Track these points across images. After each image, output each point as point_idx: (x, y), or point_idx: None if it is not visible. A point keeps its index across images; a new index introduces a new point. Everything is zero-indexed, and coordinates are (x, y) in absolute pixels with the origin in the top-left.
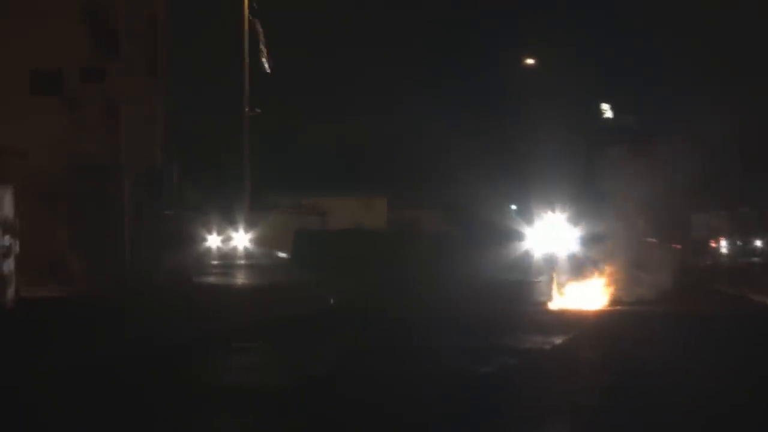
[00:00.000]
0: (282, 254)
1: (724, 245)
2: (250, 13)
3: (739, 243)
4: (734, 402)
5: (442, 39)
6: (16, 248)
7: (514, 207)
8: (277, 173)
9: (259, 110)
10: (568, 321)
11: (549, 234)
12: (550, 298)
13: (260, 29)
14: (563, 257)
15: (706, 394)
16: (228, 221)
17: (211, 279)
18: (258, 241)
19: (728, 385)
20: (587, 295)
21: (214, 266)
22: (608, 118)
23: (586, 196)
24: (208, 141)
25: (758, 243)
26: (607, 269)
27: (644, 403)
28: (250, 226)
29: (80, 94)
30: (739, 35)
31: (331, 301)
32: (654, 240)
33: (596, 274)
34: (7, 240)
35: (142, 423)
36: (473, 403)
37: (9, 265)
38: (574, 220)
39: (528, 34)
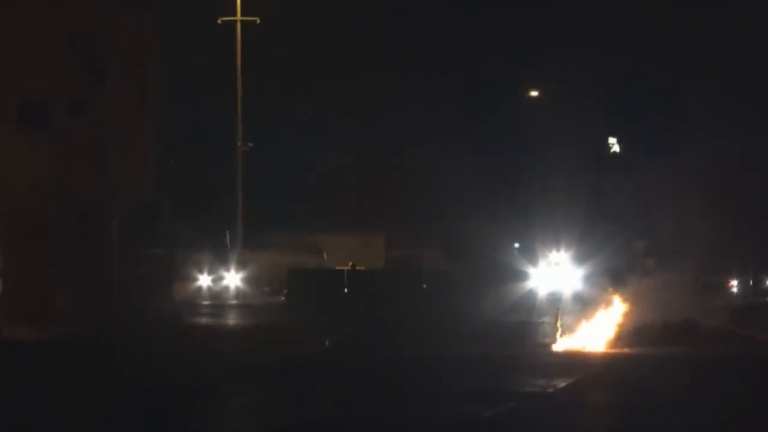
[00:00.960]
0: (278, 295)
1: (734, 285)
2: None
3: (750, 283)
4: None
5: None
6: None
7: (517, 245)
8: (272, 209)
9: (252, 144)
10: (572, 364)
11: (553, 273)
12: (554, 339)
13: None
14: (568, 297)
15: None
16: (219, 260)
17: (203, 320)
18: (251, 281)
19: None
20: (592, 336)
21: (205, 306)
22: (615, 153)
23: (591, 234)
24: (199, 176)
25: None
26: (614, 309)
27: None
28: (242, 264)
29: (67, 127)
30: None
31: (327, 343)
32: (665, 278)
33: (602, 314)
34: None
35: None
36: None
37: None
38: (579, 258)
39: (535, 70)
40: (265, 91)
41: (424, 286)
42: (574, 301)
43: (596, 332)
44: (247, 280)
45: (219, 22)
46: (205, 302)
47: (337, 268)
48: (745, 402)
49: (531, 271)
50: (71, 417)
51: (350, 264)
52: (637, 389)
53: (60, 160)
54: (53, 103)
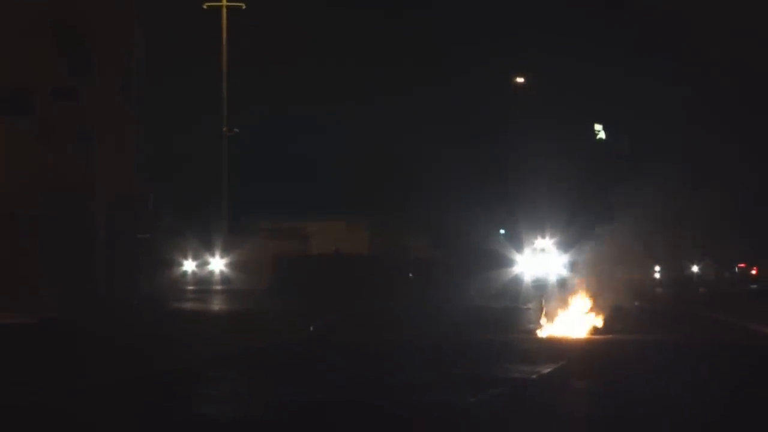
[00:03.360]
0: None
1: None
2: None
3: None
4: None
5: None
6: None
7: (503, 232)
8: (257, 196)
9: (237, 130)
10: (557, 349)
11: (539, 260)
12: (539, 325)
13: None
14: (553, 283)
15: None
16: (205, 246)
17: (188, 305)
18: (236, 266)
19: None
20: (577, 322)
21: (190, 291)
22: (602, 140)
23: (577, 221)
24: (185, 163)
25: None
26: (598, 295)
27: None
28: (227, 250)
29: (50, 115)
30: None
31: (311, 329)
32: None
33: (586, 300)
34: None
35: None
36: None
37: None
38: (565, 245)
39: (521, 56)
40: (251, 77)
41: (410, 274)
42: (559, 287)
43: (580, 318)
44: (232, 266)
45: (205, 6)
46: (191, 287)
47: (322, 254)
48: (728, 386)
49: (516, 257)
50: (52, 403)
51: (334, 249)
52: (622, 374)
53: (43, 148)
54: (36, 90)
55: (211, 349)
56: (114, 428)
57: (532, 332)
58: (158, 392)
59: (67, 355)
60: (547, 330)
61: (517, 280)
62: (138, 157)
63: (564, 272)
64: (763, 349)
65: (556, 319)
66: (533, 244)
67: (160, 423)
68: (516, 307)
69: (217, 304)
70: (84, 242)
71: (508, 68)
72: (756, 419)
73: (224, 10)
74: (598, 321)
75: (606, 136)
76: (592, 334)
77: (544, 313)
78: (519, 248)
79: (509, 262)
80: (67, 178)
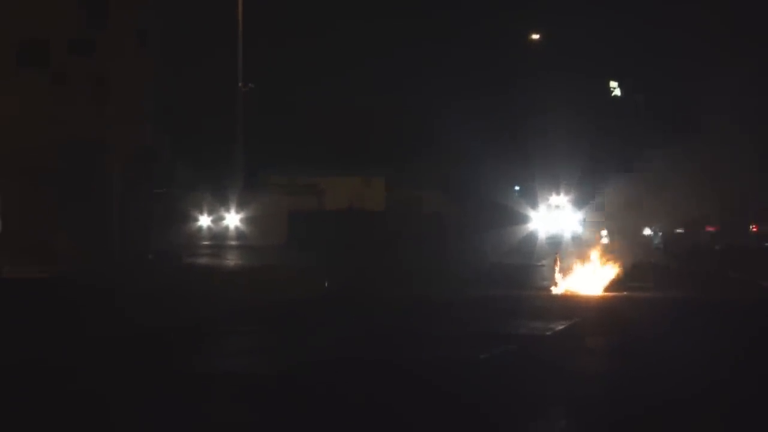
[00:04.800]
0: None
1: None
2: None
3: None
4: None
5: (447, 13)
6: None
7: (517, 188)
8: (272, 151)
9: (252, 85)
10: (570, 307)
11: (553, 216)
12: (553, 282)
13: None
14: (567, 240)
15: (707, 382)
16: (220, 200)
17: (202, 260)
18: (250, 222)
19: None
20: (591, 279)
21: (205, 246)
22: (617, 96)
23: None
24: (201, 117)
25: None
26: (613, 253)
27: (642, 393)
28: (242, 205)
29: (68, 68)
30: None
31: (326, 285)
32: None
33: (601, 257)
34: None
35: (138, 407)
36: (470, 392)
37: None
38: (580, 202)
39: (536, 9)
40: (267, 33)
41: (425, 228)
42: (574, 243)
43: (595, 275)
44: (246, 221)
45: None
46: (206, 242)
47: (337, 209)
48: (739, 343)
49: (531, 213)
50: (69, 355)
51: (348, 205)
52: (635, 332)
53: (60, 101)
54: (53, 42)
55: (226, 305)
56: (126, 385)
57: (546, 289)
58: (171, 347)
59: (77, 311)
60: (561, 287)
61: (531, 237)
62: (155, 111)
63: (579, 229)
64: None
65: (570, 276)
66: (548, 200)
67: (174, 379)
68: (530, 264)
69: (231, 260)
70: (100, 196)
71: (522, 23)
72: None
73: None
74: (613, 278)
75: (621, 92)
76: (606, 291)
77: (558, 270)
78: (534, 205)
79: (524, 219)
80: (84, 130)
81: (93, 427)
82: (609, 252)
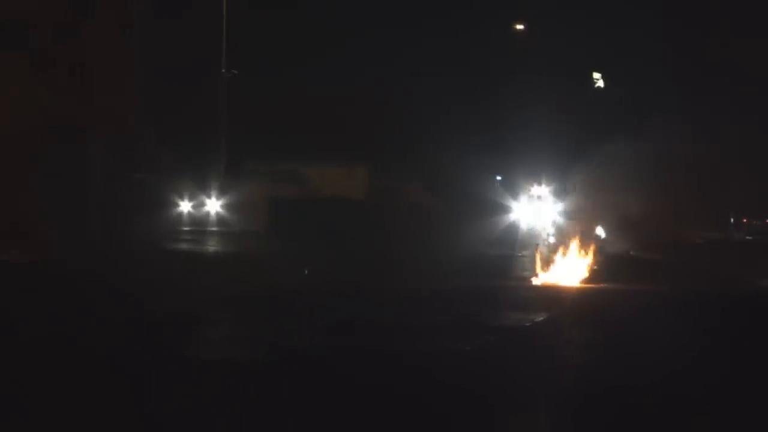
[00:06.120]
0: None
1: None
2: None
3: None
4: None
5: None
6: None
7: (499, 178)
8: (255, 139)
9: (236, 71)
10: (550, 297)
11: (534, 207)
12: (533, 273)
13: None
14: (548, 231)
15: (685, 373)
16: (201, 187)
17: (182, 246)
18: (232, 208)
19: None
20: (571, 270)
21: (185, 232)
22: (600, 89)
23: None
24: (182, 103)
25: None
26: (593, 244)
27: (622, 384)
28: (224, 191)
29: (50, 52)
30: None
31: (306, 272)
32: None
33: (581, 248)
34: None
35: (118, 395)
36: (450, 383)
37: None
38: (561, 193)
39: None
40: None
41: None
42: (555, 234)
43: (575, 267)
44: (228, 207)
45: None
46: (186, 228)
47: (319, 198)
48: (719, 336)
49: (512, 204)
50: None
51: (330, 194)
52: (614, 323)
53: (42, 85)
54: (36, 25)
55: (206, 292)
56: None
57: (527, 280)
58: (150, 334)
59: (54, 298)
60: (541, 278)
61: (513, 228)
62: (137, 98)
63: (560, 220)
64: (758, 300)
65: (551, 267)
66: (529, 191)
67: (153, 365)
68: (512, 255)
69: (212, 246)
70: (80, 181)
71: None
72: (731, 361)
73: None
74: (593, 269)
75: (605, 84)
76: (585, 282)
77: (539, 260)
78: (515, 195)
79: (505, 209)
80: (65, 115)
81: (70, 414)
82: (588, 243)
